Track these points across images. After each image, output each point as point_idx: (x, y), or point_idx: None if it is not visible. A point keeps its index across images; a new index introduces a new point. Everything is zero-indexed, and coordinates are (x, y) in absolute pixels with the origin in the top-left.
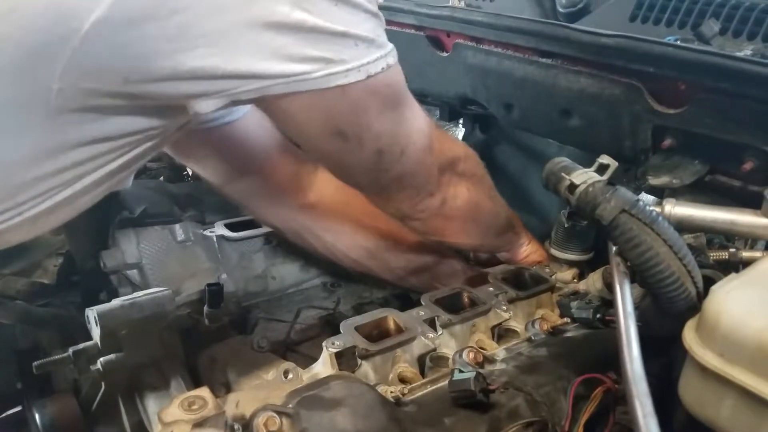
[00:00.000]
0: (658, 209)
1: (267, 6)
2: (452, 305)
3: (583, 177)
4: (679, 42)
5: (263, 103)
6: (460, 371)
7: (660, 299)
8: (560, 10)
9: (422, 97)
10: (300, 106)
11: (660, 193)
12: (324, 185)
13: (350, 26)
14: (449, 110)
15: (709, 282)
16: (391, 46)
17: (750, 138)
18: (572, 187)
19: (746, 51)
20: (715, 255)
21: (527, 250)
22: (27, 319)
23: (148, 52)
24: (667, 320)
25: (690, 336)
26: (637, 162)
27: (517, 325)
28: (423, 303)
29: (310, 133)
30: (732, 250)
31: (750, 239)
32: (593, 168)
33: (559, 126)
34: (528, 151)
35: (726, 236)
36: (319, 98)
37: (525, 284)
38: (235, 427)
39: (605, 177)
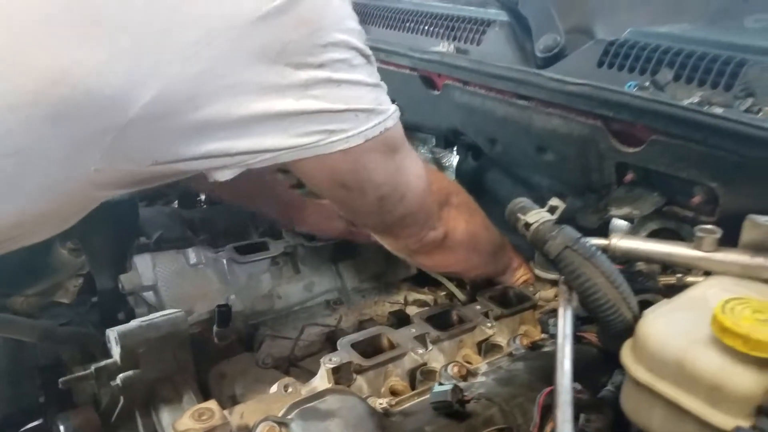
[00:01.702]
0: (605, 242)
1: (276, 100)
2: (442, 322)
3: (536, 216)
4: (636, 88)
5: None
6: (440, 384)
7: (600, 322)
8: (538, 54)
9: (418, 129)
10: (307, 166)
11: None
12: None
13: (351, 102)
14: (444, 139)
15: (649, 305)
16: (391, 110)
17: (697, 175)
18: (527, 225)
19: (694, 98)
20: (664, 280)
21: (520, 273)
22: (49, 338)
23: (175, 140)
24: (610, 340)
25: (626, 354)
26: (604, 193)
27: (501, 340)
28: (414, 321)
29: (318, 186)
30: (678, 275)
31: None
32: (546, 208)
33: (536, 161)
34: (516, 177)
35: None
36: (323, 160)
37: (510, 302)
38: None
39: (555, 216)
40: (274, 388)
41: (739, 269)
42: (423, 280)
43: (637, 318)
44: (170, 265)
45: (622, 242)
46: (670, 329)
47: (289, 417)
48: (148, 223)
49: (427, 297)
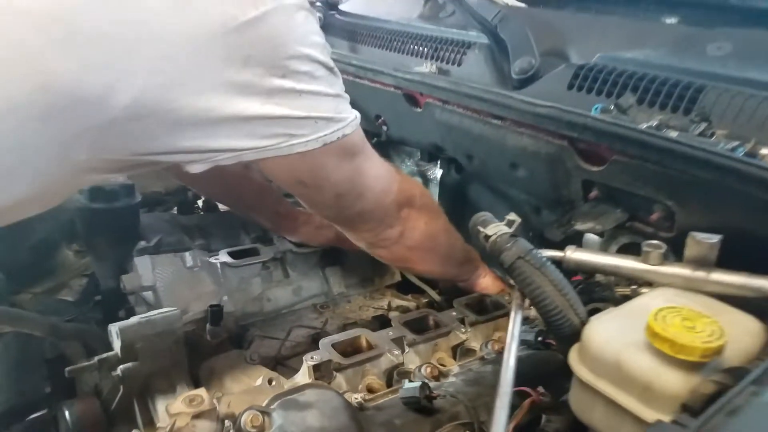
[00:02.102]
0: (560, 254)
1: (242, 105)
2: (419, 326)
3: (494, 230)
4: (600, 110)
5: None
6: (410, 381)
7: (551, 327)
8: (514, 76)
9: (404, 143)
10: (269, 165)
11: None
12: None
13: (311, 111)
14: (428, 153)
15: (598, 312)
16: (350, 118)
17: (655, 193)
18: (486, 237)
19: (654, 121)
20: (620, 291)
21: (485, 282)
22: (55, 333)
23: (150, 138)
24: (561, 344)
25: (573, 355)
26: (569, 208)
27: (475, 345)
28: (393, 325)
29: (279, 181)
30: (633, 287)
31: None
32: (504, 222)
33: (509, 176)
34: (495, 190)
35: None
36: (284, 160)
37: (486, 310)
38: (226, 423)
39: (511, 230)
40: (258, 382)
41: (682, 282)
42: (407, 287)
43: (584, 323)
44: (168, 268)
45: (575, 255)
46: (611, 333)
47: (271, 407)
48: (148, 228)
49: (410, 303)
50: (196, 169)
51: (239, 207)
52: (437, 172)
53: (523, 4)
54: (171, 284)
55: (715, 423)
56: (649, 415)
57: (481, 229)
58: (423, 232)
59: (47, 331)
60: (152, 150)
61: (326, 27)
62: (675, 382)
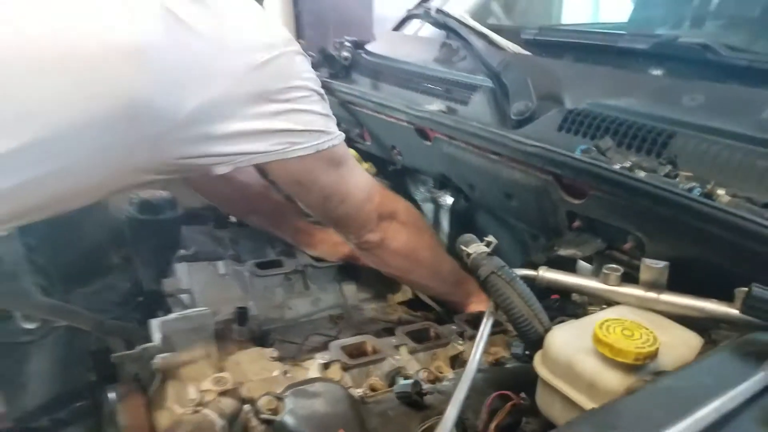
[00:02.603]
0: (534, 273)
1: (258, 121)
2: (420, 337)
3: (474, 248)
4: (582, 151)
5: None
6: (405, 378)
7: (519, 332)
8: (512, 117)
9: (417, 172)
10: (274, 166)
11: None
12: None
13: (308, 125)
14: (439, 182)
15: None
16: (336, 133)
17: (627, 225)
18: (468, 255)
19: (627, 162)
20: (591, 309)
21: (478, 307)
22: (101, 328)
23: (192, 144)
24: (530, 349)
25: (537, 359)
26: (554, 235)
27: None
28: (396, 334)
29: (280, 181)
30: (604, 306)
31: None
32: (483, 243)
33: (505, 205)
34: (497, 217)
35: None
36: (285, 163)
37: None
38: (246, 407)
39: (489, 249)
40: (276, 373)
41: (636, 301)
42: (417, 304)
43: (547, 331)
44: (203, 274)
45: (546, 274)
46: (566, 340)
47: (285, 394)
48: (187, 239)
49: (418, 319)
50: (220, 170)
51: (264, 224)
52: (448, 200)
53: (528, 53)
54: (204, 289)
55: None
56: None
57: (464, 248)
58: (403, 242)
59: (94, 327)
60: (192, 154)
61: (353, 65)
62: (614, 380)
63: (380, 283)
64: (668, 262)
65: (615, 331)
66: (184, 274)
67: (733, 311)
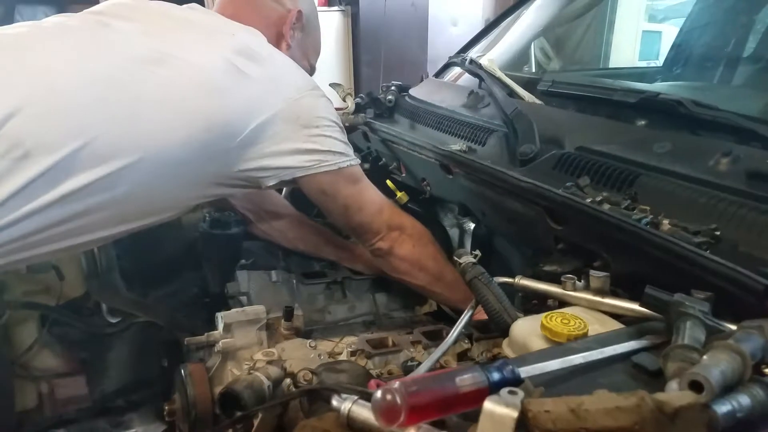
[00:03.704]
0: (512, 280)
1: (296, 143)
2: (434, 336)
3: (464, 259)
4: (565, 187)
5: (293, 180)
6: (412, 360)
7: (493, 322)
8: (519, 157)
9: (444, 200)
10: (305, 180)
11: None
12: None
13: (332, 147)
14: (462, 209)
15: None
16: (353, 157)
17: (597, 248)
18: (459, 264)
19: (598, 197)
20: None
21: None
22: (173, 324)
23: (250, 159)
24: (501, 335)
25: (504, 342)
26: (548, 254)
27: (476, 354)
28: (413, 332)
29: (309, 193)
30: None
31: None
32: (472, 255)
33: (509, 229)
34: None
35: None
36: (314, 177)
37: (489, 330)
38: (287, 380)
39: (475, 260)
40: (312, 355)
41: (586, 303)
42: (441, 316)
43: (513, 321)
44: (259, 281)
45: (522, 281)
46: (525, 327)
47: (318, 369)
48: (247, 251)
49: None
50: (269, 183)
51: (308, 248)
52: (471, 225)
53: (541, 102)
54: (259, 293)
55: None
56: None
57: (456, 258)
58: (408, 251)
59: (167, 322)
60: (248, 168)
61: (396, 107)
62: None
63: (409, 296)
64: (608, 273)
65: (556, 320)
66: (244, 280)
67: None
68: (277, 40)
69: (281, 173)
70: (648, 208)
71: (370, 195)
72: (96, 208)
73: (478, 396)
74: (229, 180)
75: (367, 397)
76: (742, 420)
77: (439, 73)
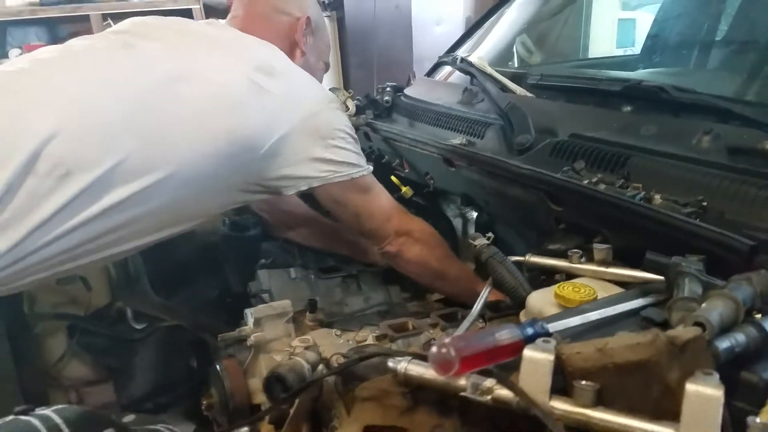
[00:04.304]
0: (523, 258)
1: (314, 154)
2: (450, 318)
3: (479, 241)
4: (563, 172)
5: (309, 188)
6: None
7: (510, 296)
8: (516, 147)
9: (447, 192)
10: (320, 189)
11: None
12: None
13: (346, 158)
14: (466, 200)
15: None
16: (366, 167)
17: (596, 225)
18: (474, 246)
19: (594, 178)
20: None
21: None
22: (197, 326)
23: (270, 169)
24: (517, 307)
25: (522, 314)
26: (549, 235)
27: None
28: (431, 316)
29: (323, 201)
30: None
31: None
32: (485, 238)
33: (513, 215)
34: (510, 225)
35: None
36: (329, 186)
37: (500, 310)
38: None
39: (489, 242)
40: (340, 341)
41: (592, 273)
42: (450, 302)
43: (528, 294)
44: (279, 278)
45: (531, 258)
46: (540, 298)
47: (349, 353)
48: (267, 252)
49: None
50: (288, 192)
51: (322, 244)
52: (473, 214)
53: (531, 95)
54: (280, 289)
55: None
56: None
57: (471, 241)
58: (415, 254)
59: (192, 324)
60: (270, 177)
61: (393, 107)
62: None
63: (419, 285)
64: (610, 245)
65: (567, 289)
66: (265, 279)
67: (649, 275)
68: (291, 50)
69: (300, 183)
70: (640, 185)
71: (380, 202)
72: (133, 219)
73: (516, 348)
74: (253, 189)
75: (420, 357)
76: (739, 354)
77: (430, 73)
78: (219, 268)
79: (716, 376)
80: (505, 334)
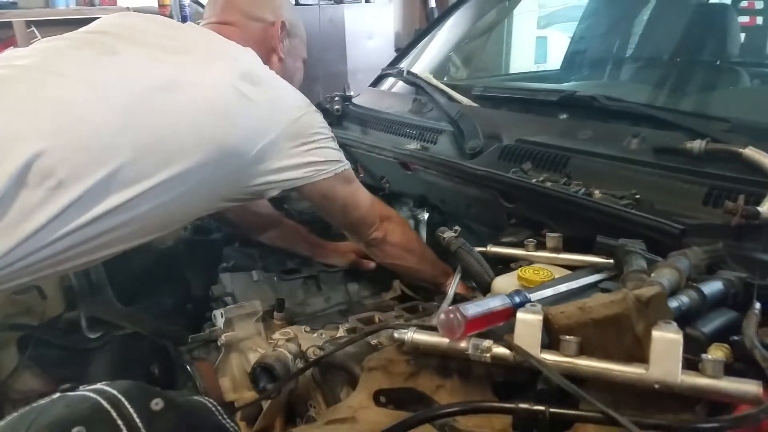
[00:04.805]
0: (485, 249)
1: (297, 157)
2: (412, 311)
3: (447, 234)
4: (513, 172)
5: (293, 188)
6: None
7: (476, 282)
8: (467, 151)
9: (401, 195)
10: (306, 188)
11: None
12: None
13: (328, 157)
14: (418, 201)
15: None
16: (346, 162)
17: (543, 218)
18: (443, 238)
19: (541, 177)
20: None
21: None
22: (158, 333)
23: (255, 176)
24: (482, 291)
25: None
26: (502, 230)
27: None
28: (395, 309)
29: (311, 198)
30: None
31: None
32: (452, 231)
33: (467, 213)
34: (463, 225)
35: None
36: (315, 184)
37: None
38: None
39: (456, 234)
40: (314, 335)
41: (546, 259)
42: (404, 299)
43: (492, 280)
44: (242, 281)
45: (492, 248)
46: (504, 282)
47: (324, 345)
48: (227, 256)
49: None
50: (272, 193)
51: (286, 244)
52: (425, 215)
53: (476, 104)
54: (243, 292)
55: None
56: None
57: (441, 234)
58: (400, 235)
59: (153, 331)
60: (256, 183)
61: (343, 115)
62: None
63: (376, 284)
64: (561, 234)
65: (528, 272)
66: (227, 282)
67: (596, 258)
68: (268, 55)
69: (285, 184)
70: (581, 182)
71: (362, 192)
72: (120, 225)
73: (507, 313)
74: (238, 194)
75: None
76: (684, 313)
77: (375, 84)
78: (178, 274)
79: (675, 324)
80: (498, 302)
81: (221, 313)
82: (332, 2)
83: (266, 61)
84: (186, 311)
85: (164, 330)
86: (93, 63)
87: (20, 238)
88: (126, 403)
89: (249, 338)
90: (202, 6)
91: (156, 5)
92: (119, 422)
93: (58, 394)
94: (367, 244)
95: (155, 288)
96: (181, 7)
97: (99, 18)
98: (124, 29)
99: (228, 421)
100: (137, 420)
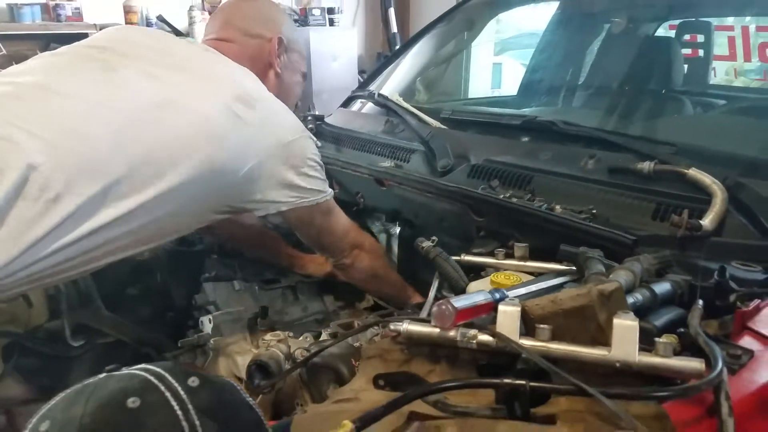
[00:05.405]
0: (459, 258)
1: (285, 181)
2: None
3: (426, 244)
4: (481, 189)
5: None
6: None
7: (451, 287)
8: (438, 169)
9: (375, 210)
10: (289, 212)
11: None
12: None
13: (313, 185)
14: (391, 216)
15: None
16: (329, 192)
17: (509, 230)
18: (422, 248)
19: (507, 193)
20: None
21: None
22: (138, 339)
23: (245, 193)
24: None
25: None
26: (472, 242)
27: None
28: (370, 316)
29: (289, 221)
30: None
31: None
32: (431, 241)
33: (439, 227)
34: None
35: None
36: (297, 209)
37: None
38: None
39: (433, 244)
40: (300, 339)
41: (514, 267)
42: (377, 308)
43: (466, 285)
44: (224, 291)
45: (466, 257)
46: (478, 287)
47: (309, 347)
48: (209, 267)
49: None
50: (259, 213)
51: (266, 255)
52: (396, 230)
53: (445, 126)
54: (226, 301)
55: None
56: None
57: (419, 244)
58: (367, 263)
59: (133, 338)
60: (244, 200)
61: (317, 134)
62: None
63: (351, 294)
64: (528, 244)
65: (500, 277)
66: (210, 291)
67: (560, 266)
68: (264, 71)
69: (270, 206)
70: (543, 198)
71: (339, 221)
72: (117, 237)
73: (489, 307)
74: (225, 210)
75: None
76: (638, 308)
77: (346, 105)
78: (159, 284)
79: (632, 313)
80: (482, 297)
81: (209, 319)
82: (298, 24)
83: (263, 75)
84: (167, 319)
85: (147, 338)
86: (92, 81)
87: (21, 249)
88: (170, 378)
89: (236, 343)
90: (169, 25)
91: (123, 23)
92: (167, 394)
93: (104, 374)
94: (334, 266)
95: (136, 297)
96: (148, 25)
97: (64, 33)
98: (123, 44)
99: (251, 399)
100: (182, 393)
